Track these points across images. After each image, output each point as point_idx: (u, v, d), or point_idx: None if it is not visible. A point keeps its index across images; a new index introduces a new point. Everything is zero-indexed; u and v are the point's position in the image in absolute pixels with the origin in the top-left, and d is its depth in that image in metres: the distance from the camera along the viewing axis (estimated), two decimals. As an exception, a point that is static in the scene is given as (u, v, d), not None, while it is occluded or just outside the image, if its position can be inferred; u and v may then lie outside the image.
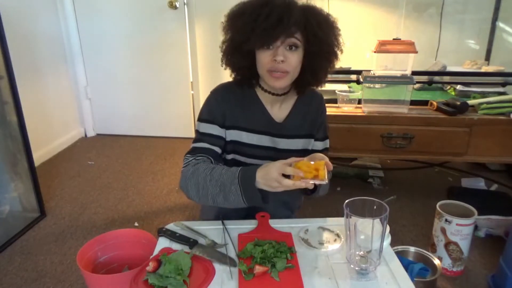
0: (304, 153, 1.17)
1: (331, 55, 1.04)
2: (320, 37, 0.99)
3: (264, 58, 0.99)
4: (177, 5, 2.88)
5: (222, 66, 1.10)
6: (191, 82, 3.13)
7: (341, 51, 1.06)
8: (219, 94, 1.12)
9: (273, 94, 1.09)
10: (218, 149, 1.10)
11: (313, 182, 0.87)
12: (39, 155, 2.71)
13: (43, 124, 2.81)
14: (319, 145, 1.20)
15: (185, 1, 2.90)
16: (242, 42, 0.99)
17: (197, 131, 1.12)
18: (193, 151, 1.08)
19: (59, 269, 1.68)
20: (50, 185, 2.45)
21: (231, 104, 1.10)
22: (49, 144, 2.89)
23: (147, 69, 3.13)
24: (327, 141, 1.22)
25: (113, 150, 3.03)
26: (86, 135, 3.35)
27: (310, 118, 1.16)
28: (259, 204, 0.96)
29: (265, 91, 1.10)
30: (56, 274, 1.66)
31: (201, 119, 1.11)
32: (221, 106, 1.10)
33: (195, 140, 1.11)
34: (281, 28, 0.94)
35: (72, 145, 3.14)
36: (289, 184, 0.88)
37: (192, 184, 1.01)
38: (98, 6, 3.00)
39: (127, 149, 3.06)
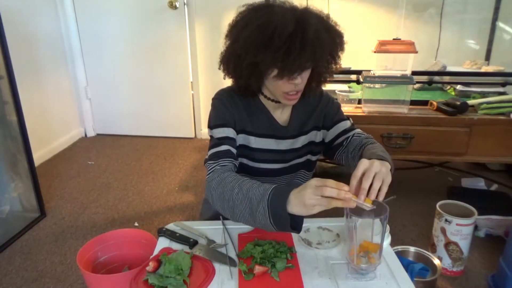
0: (315, 146, 1.17)
1: (338, 62, 1.04)
2: (334, 55, 1.00)
3: (280, 82, 0.97)
4: (177, 5, 2.88)
5: (222, 72, 1.07)
6: (191, 82, 3.14)
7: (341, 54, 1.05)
8: (226, 99, 1.08)
9: (276, 101, 1.08)
10: (236, 152, 1.07)
11: (355, 201, 0.78)
12: (39, 155, 2.71)
13: (43, 124, 2.81)
14: (340, 127, 1.14)
15: (185, 1, 2.90)
16: (264, 70, 0.95)
17: (212, 138, 1.07)
18: (215, 156, 1.02)
19: (59, 269, 1.68)
20: (50, 185, 2.45)
21: (238, 109, 1.08)
22: (49, 144, 2.89)
23: (147, 69, 3.13)
24: (349, 122, 1.16)
25: (113, 150, 3.03)
26: (86, 135, 3.35)
27: (312, 114, 1.15)
28: (288, 231, 0.84)
29: (268, 98, 1.09)
30: (56, 274, 1.66)
31: (214, 125, 1.07)
32: (230, 111, 1.07)
33: (213, 145, 1.04)
34: (311, 63, 0.94)
35: (72, 145, 3.14)
36: (332, 193, 0.76)
37: (217, 195, 0.93)
38: (98, 6, 3.00)
39: (127, 149, 3.06)
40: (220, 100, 1.09)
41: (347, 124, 1.15)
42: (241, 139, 1.10)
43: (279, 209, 0.82)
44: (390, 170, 0.88)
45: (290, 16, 0.90)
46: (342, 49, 1.01)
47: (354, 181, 0.82)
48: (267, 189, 0.86)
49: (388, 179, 0.83)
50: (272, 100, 1.08)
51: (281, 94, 1.00)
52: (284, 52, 0.88)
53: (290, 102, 1.03)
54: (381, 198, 0.81)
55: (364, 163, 0.83)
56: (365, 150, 1.02)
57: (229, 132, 1.06)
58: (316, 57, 0.92)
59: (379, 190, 0.81)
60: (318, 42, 0.90)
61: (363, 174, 0.82)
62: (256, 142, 1.11)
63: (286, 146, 1.14)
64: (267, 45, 0.89)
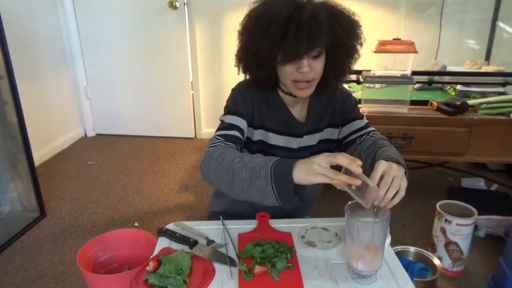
0: (330, 143, 1.15)
1: (354, 53, 1.02)
2: (345, 43, 0.97)
3: (287, 70, 0.97)
4: (177, 5, 2.88)
5: (238, 75, 1.07)
6: (191, 82, 3.13)
7: (361, 44, 1.02)
8: (246, 92, 1.07)
9: (294, 96, 1.06)
10: (242, 143, 1.06)
11: (363, 178, 0.76)
12: (39, 155, 2.71)
13: (43, 124, 2.81)
14: (355, 125, 1.13)
15: (185, 1, 2.90)
16: (268, 57, 0.96)
17: (222, 122, 1.05)
18: (223, 136, 1.01)
19: (59, 269, 1.68)
20: (50, 185, 2.45)
21: (258, 103, 1.07)
22: (49, 144, 2.89)
23: (147, 69, 3.13)
24: (364, 120, 1.15)
25: (113, 150, 3.03)
26: (86, 135, 3.35)
27: (327, 110, 1.13)
28: (290, 200, 0.81)
29: (286, 93, 1.08)
30: (56, 274, 1.66)
31: (229, 111, 1.05)
32: (248, 105, 1.06)
33: (223, 128, 1.03)
34: (310, 45, 0.91)
35: (72, 145, 3.14)
36: (344, 162, 0.75)
37: (216, 165, 0.91)
38: (98, 6, 3.00)
39: (127, 149, 3.06)
40: (240, 92, 1.08)
41: (362, 122, 1.14)
42: (259, 134, 1.09)
43: (283, 173, 0.80)
44: (405, 174, 0.87)
45: (289, 2, 0.92)
46: (354, 37, 0.98)
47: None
48: (271, 158, 0.86)
49: (404, 184, 0.81)
50: (290, 95, 1.07)
51: (292, 85, 0.99)
52: (281, 36, 0.90)
53: (302, 93, 1.00)
54: (390, 205, 0.80)
55: (382, 165, 0.81)
56: (378, 152, 1.00)
57: (242, 123, 1.05)
58: (313, 40, 0.90)
59: (393, 196, 0.79)
60: (314, 25, 0.89)
61: (381, 177, 0.80)
62: (274, 139, 1.10)
63: (303, 143, 1.12)
64: (265, 32, 0.92)
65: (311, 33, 0.89)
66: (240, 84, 1.11)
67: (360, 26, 1.00)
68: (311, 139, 1.13)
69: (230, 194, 0.91)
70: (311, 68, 0.96)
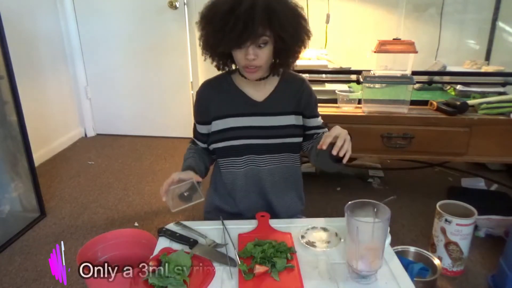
0: (296, 128, 1.21)
1: (298, 43, 1.10)
2: (283, 37, 1.04)
3: (238, 56, 1.07)
4: (177, 5, 2.88)
5: (202, 56, 1.16)
6: (191, 82, 3.13)
7: (309, 36, 1.11)
8: (200, 91, 1.22)
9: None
10: (202, 144, 1.27)
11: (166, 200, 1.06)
12: (39, 155, 2.71)
13: (43, 124, 2.81)
14: (313, 121, 1.23)
15: (185, 1, 2.90)
16: (215, 44, 1.06)
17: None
18: (190, 142, 1.31)
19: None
20: (50, 185, 2.45)
21: (211, 97, 1.19)
22: (49, 144, 2.89)
23: (147, 69, 3.13)
24: (321, 119, 1.26)
25: (113, 150, 3.03)
26: (86, 135, 3.35)
27: (293, 97, 1.20)
28: None
29: (244, 76, 1.16)
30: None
31: (194, 119, 1.27)
32: (201, 103, 1.21)
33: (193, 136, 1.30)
34: (246, 35, 1.00)
35: (72, 145, 3.14)
36: (165, 186, 1.08)
37: None
38: (98, 6, 3.00)
39: (127, 149, 3.06)
40: (197, 94, 1.23)
41: (320, 121, 1.24)
42: (220, 124, 1.18)
43: None
44: None
45: None
46: (293, 30, 1.05)
47: (328, 138, 0.97)
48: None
49: (350, 147, 0.98)
50: (245, 77, 1.15)
51: (243, 69, 1.10)
52: (220, 27, 1.01)
53: (249, 76, 1.11)
54: (345, 160, 0.98)
55: (338, 128, 0.99)
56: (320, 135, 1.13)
57: (200, 128, 1.25)
58: (248, 32, 0.99)
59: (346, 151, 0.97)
60: (250, 18, 0.98)
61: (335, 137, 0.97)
62: (235, 122, 1.18)
63: (272, 123, 1.18)
64: (210, 22, 1.05)
65: (247, 26, 0.98)
66: (202, 84, 1.23)
67: (303, 18, 1.09)
68: (278, 120, 1.19)
69: None
70: (257, 56, 1.05)
